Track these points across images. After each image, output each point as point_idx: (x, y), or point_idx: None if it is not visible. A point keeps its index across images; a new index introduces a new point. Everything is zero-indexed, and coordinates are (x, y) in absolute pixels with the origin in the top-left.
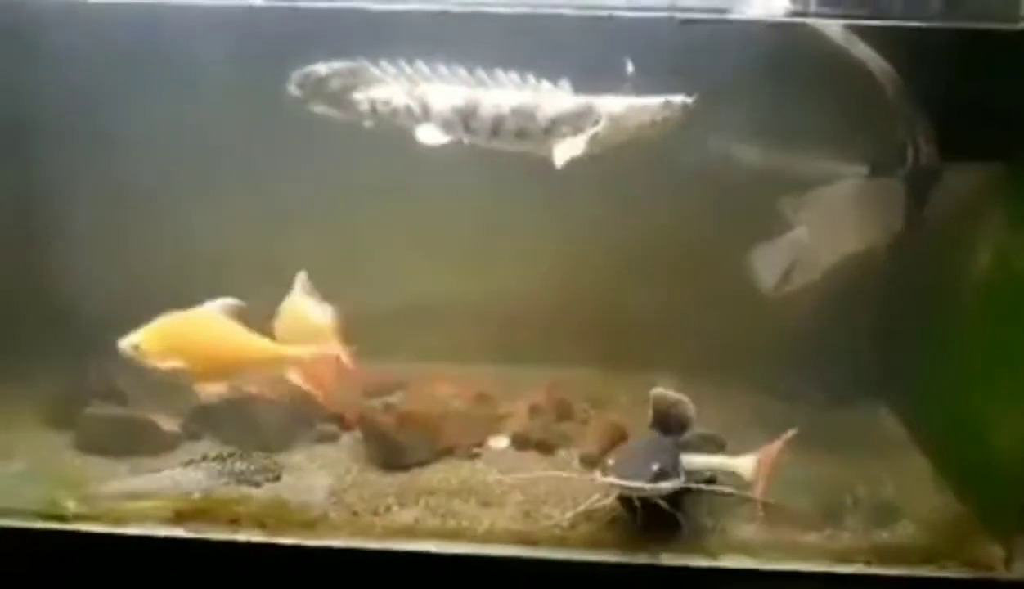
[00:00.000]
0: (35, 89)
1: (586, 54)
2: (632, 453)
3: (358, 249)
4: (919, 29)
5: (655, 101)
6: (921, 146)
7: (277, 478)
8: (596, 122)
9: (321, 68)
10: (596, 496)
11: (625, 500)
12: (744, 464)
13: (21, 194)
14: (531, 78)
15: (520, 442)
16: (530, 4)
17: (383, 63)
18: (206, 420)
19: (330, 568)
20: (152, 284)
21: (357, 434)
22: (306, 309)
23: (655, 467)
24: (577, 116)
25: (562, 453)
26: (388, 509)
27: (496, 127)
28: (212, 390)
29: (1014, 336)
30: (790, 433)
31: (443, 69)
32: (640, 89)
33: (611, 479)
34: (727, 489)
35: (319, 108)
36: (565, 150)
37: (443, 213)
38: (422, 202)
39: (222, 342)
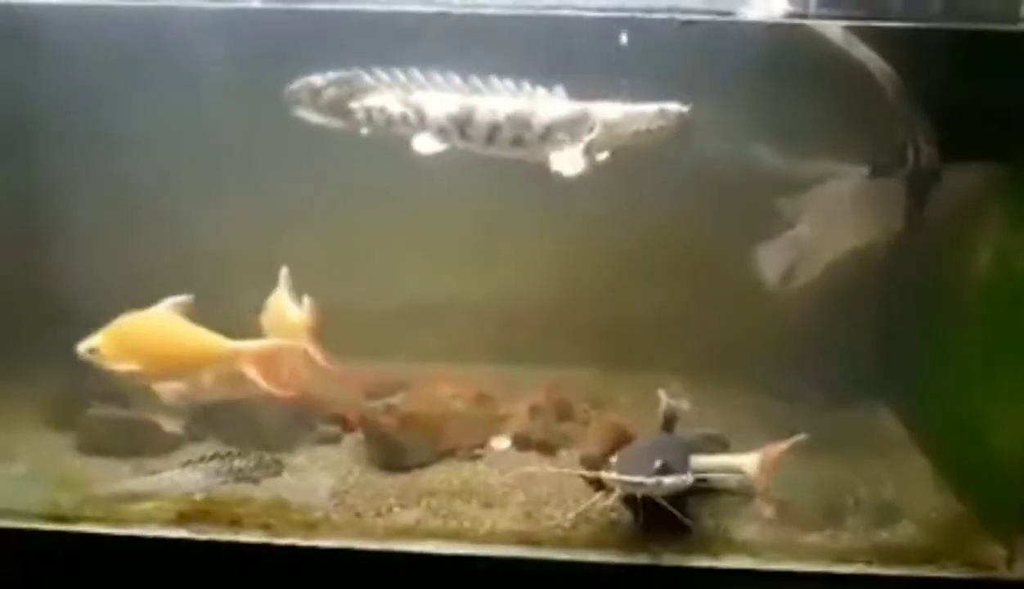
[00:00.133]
0: (35, 90)
1: (586, 55)
2: (637, 451)
3: (359, 249)
4: (918, 30)
5: (650, 109)
6: (921, 147)
7: (278, 473)
8: (591, 129)
9: (316, 79)
10: (598, 495)
11: (629, 500)
12: (748, 462)
13: (21, 194)
14: (526, 85)
15: (521, 443)
16: (529, 6)
17: (377, 71)
18: (208, 421)
19: (332, 569)
20: (152, 284)
21: (359, 435)
22: (286, 304)
23: (658, 463)
24: (572, 123)
25: (563, 454)
26: (390, 510)
27: (491, 134)
28: (170, 390)
29: (1014, 336)
30: (798, 437)
31: (438, 76)
32: (639, 92)
33: (613, 474)
34: (731, 479)
35: (316, 118)
36: (564, 163)
37: (444, 213)
38: (423, 202)
39: (177, 341)
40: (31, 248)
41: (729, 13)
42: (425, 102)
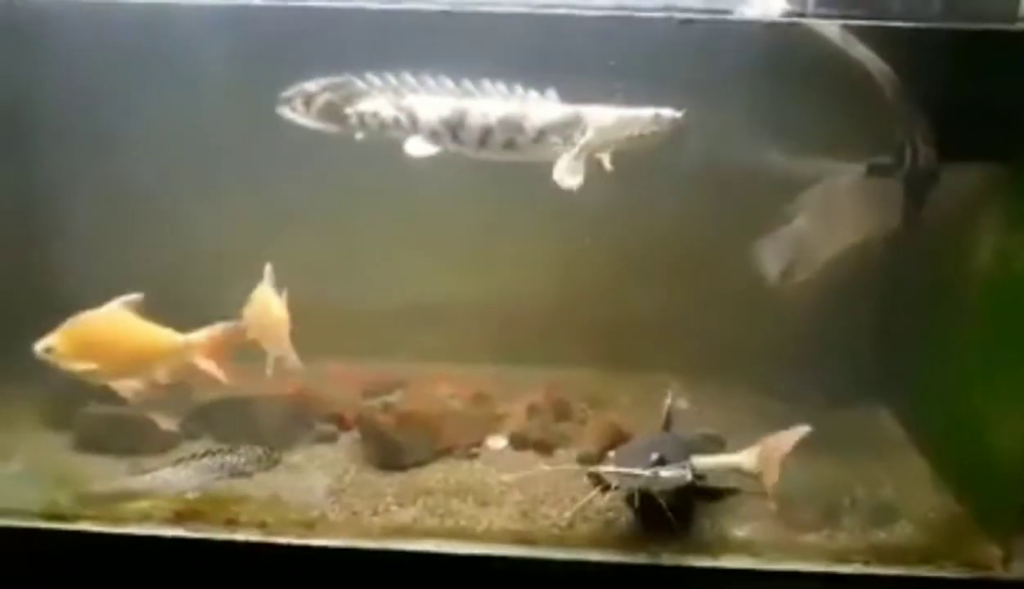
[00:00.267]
0: (35, 90)
1: (585, 55)
2: (635, 446)
3: (357, 249)
4: (917, 29)
5: (645, 113)
6: (919, 146)
7: (270, 467)
8: (584, 132)
9: (310, 85)
10: (595, 491)
11: (629, 499)
12: (747, 458)
13: (21, 194)
14: (518, 88)
15: (518, 442)
16: (527, 4)
17: (370, 76)
18: (205, 419)
19: (329, 568)
20: (152, 284)
21: (356, 434)
22: (269, 299)
23: (655, 457)
24: (565, 126)
25: (560, 453)
26: (387, 509)
27: (484, 138)
28: (127, 387)
29: (1013, 337)
30: (800, 429)
31: (430, 80)
32: (638, 92)
33: (609, 468)
34: (731, 477)
35: (311, 124)
36: (564, 174)
37: (443, 213)
38: (422, 202)
39: (130, 338)
40: (31, 248)
41: (727, 12)
42: (417, 106)
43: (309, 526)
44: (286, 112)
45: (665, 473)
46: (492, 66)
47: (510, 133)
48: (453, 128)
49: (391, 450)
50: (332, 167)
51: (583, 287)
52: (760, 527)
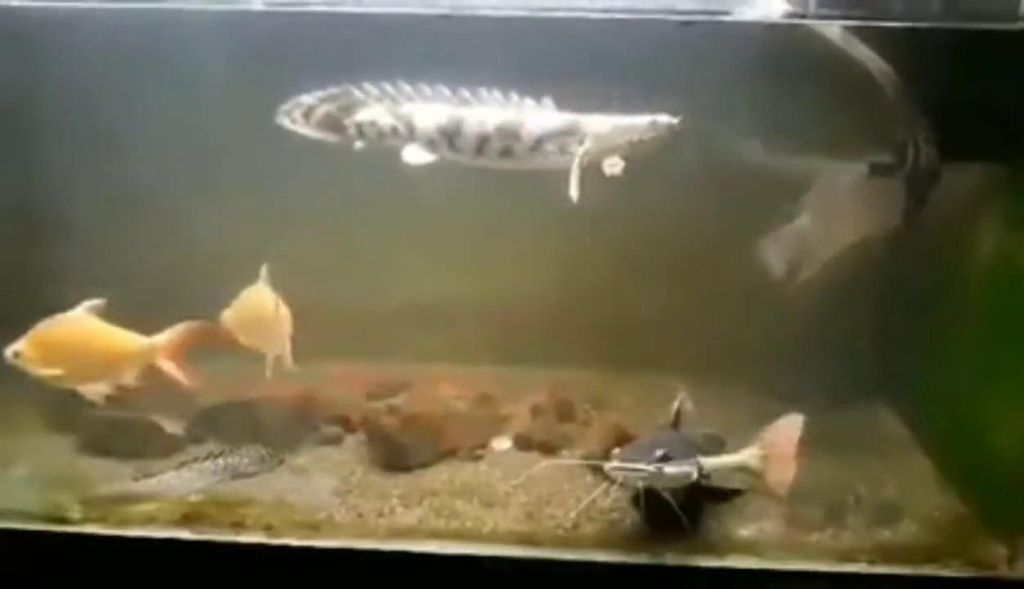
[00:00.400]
0: (36, 92)
1: (583, 57)
2: (640, 444)
3: (361, 250)
4: (918, 29)
5: (641, 120)
6: (921, 146)
7: (273, 468)
8: (581, 141)
9: (307, 98)
10: (601, 488)
11: (635, 499)
12: (750, 457)
13: (21, 194)
14: (514, 96)
15: (522, 443)
16: (525, 7)
17: (367, 85)
18: (210, 422)
19: (335, 569)
20: (152, 284)
21: (361, 436)
22: (262, 299)
23: (659, 453)
24: (562, 134)
25: (565, 454)
26: (392, 510)
27: (480, 146)
28: (95, 390)
29: (1015, 336)
30: (796, 418)
31: (426, 89)
32: (636, 93)
33: (615, 463)
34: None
35: (311, 135)
36: (575, 187)
37: (446, 214)
38: (425, 203)
39: (95, 342)
40: (31, 248)
41: (727, 13)
42: (414, 114)
43: (315, 528)
44: (286, 123)
45: (670, 469)
46: (491, 69)
47: (507, 141)
48: (450, 136)
49: (396, 452)
50: (334, 169)
51: (586, 288)
52: (765, 527)
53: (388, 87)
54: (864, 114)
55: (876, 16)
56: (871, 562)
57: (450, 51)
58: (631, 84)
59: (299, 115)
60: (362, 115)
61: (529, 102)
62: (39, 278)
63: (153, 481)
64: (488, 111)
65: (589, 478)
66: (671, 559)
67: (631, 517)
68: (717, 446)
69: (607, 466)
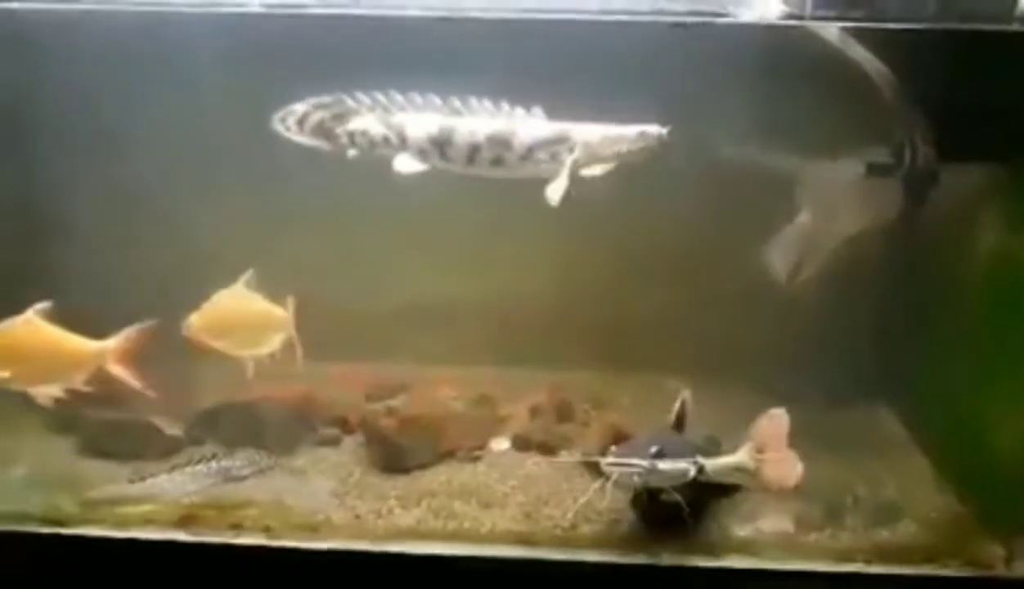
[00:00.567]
0: (32, 93)
1: (582, 57)
2: (636, 442)
3: (360, 251)
4: (915, 31)
5: (631, 131)
6: (919, 146)
7: (264, 471)
8: (571, 150)
9: (299, 106)
10: (596, 484)
11: (633, 499)
12: (743, 456)
13: (21, 195)
14: (505, 105)
15: (521, 444)
16: (521, 9)
17: (359, 94)
18: (209, 424)
19: (333, 570)
20: (152, 285)
21: (359, 437)
22: (238, 303)
23: (654, 449)
24: (552, 143)
25: (563, 454)
26: (390, 511)
27: (472, 155)
28: (44, 393)
29: (1014, 336)
30: (777, 412)
31: (418, 98)
32: (635, 94)
33: (609, 459)
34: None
35: (304, 142)
36: (554, 192)
37: (444, 215)
38: (424, 204)
39: (44, 346)
40: (31, 248)
41: (724, 15)
42: (406, 123)
43: (313, 529)
44: (280, 130)
45: (664, 466)
46: (488, 71)
47: (498, 150)
48: (441, 145)
49: (394, 453)
50: (332, 170)
51: (585, 288)
52: (762, 526)
53: (380, 96)
54: (861, 115)
55: (872, 17)
56: (869, 562)
57: (447, 53)
58: (628, 86)
59: (293, 123)
60: (354, 124)
61: (520, 111)
62: (38, 279)
63: (146, 484)
64: (479, 120)
65: (587, 479)
66: (669, 559)
67: (629, 517)
68: (714, 448)
69: (601, 461)
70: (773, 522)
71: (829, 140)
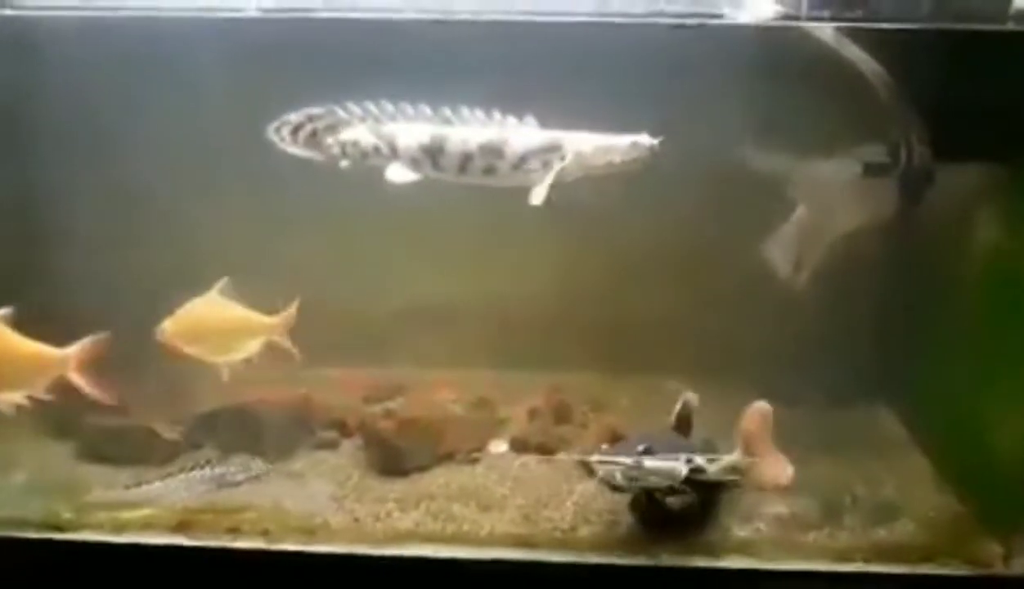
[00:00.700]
0: (30, 98)
1: (581, 58)
2: (629, 441)
3: (359, 254)
4: (910, 31)
5: (622, 141)
6: (915, 146)
7: (259, 477)
8: (563, 158)
9: (292, 116)
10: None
11: (633, 502)
12: (736, 457)
13: (21, 196)
14: (496, 114)
15: (519, 446)
16: (518, 11)
17: (350, 105)
18: (207, 428)
19: (332, 574)
20: (152, 286)
21: (358, 440)
22: (212, 310)
23: (641, 447)
24: (544, 152)
25: (561, 456)
26: (389, 514)
27: (464, 164)
28: (5, 400)
29: (1014, 336)
30: (759, 405)
31: (409, 108)
32: (634, 94)
33: (596, 456)
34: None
35: (298, 152)
36: (538, 193)
37: (443, 218)
38: (423, 206)
39: (7, 353)
40: (31, 249)
41: (719, 16)
42: (397, 134)
43: (311, 533)
44: (275, 140)
45: (650, 463)
46: (485, 73)
47: (490, 159)
48: (433, 155)
49: (393, 456)
50: (331, 173)
51: (583, 290)
52: (761, 527)
53: (371, 106)
54: (857, 115)
55: (867, 18)
56: (867, 561)
57: (443, 56)
58: (623, 87)
59: (286, 133)
60: (345, 135)
61: (512, 120)
62: (38, 279)
63: (140, 490)
64: (471, 130)
65: (587, 481)
66: (667, 560)
67: (627, 519)
68: (709, 449)
69: (590, 458)
70: (772, 522)
71: (826, 140)
